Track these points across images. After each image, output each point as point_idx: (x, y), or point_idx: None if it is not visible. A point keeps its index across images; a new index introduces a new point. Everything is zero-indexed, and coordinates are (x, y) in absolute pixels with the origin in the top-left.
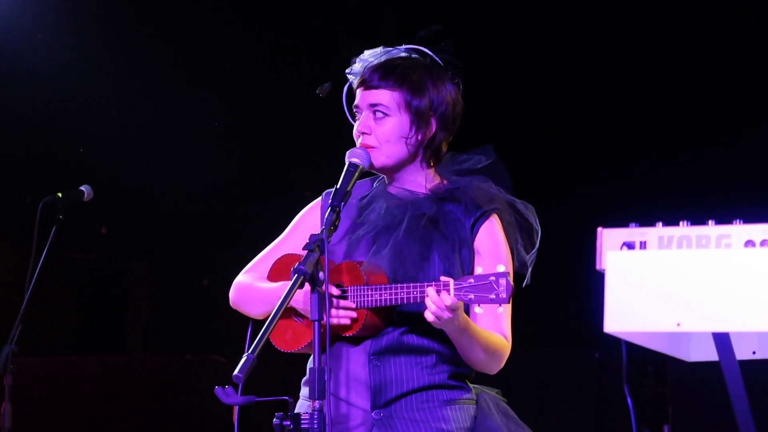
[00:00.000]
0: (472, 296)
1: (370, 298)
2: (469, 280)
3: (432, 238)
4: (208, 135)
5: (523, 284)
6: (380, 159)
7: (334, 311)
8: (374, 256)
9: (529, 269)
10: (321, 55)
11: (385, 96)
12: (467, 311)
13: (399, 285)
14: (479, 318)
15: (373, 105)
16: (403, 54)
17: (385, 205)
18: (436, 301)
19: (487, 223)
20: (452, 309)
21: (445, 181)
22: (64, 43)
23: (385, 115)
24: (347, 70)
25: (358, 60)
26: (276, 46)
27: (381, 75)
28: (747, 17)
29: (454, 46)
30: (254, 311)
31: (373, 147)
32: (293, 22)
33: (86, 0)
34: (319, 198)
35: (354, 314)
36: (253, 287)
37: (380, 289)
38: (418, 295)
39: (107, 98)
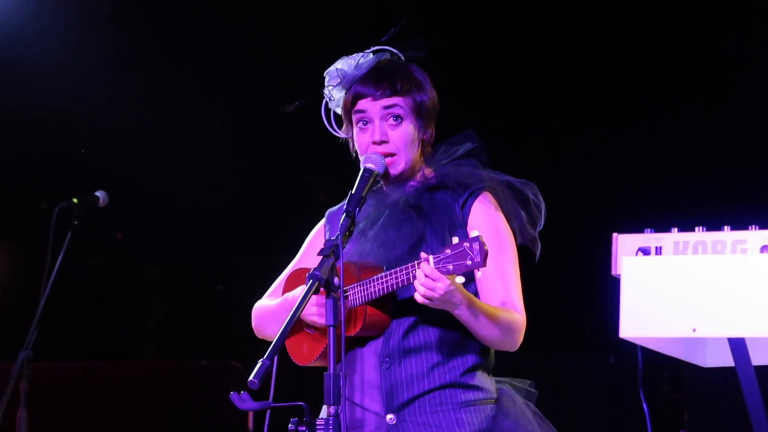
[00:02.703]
0: (450, 266)
1: (363, 294)
2: (446, 251)
3: (417, 225)
4: (224, 140)
5: (535, 260)
6: (400, 166)
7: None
8: (360, 252)
9: (539, 245)
10: (334, 59)
11: (398, 101)
12: (476, 294)
13: (385, 273)
14: (485, 292)
15: (387, 111)
16: (385, 56)
17: (373, 204)
18: (427, 273)
19: (477, 202)
20: (441, 280)
21: (434, 172)
22: (80, 48)
23: (401, 119)
24: (328, 83)
25: (335, 71)
26: (290, 51)
27: (388, 83)
28: (763, 21)
29: (425, 42)
30: (271, 331)
31: (394, 154)
32: (307, 26)
33: (101, 6)
34: (324, 219)
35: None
36: (266, 306)
37: (370, 282)
38: (405, 277)
39: (122, 104)
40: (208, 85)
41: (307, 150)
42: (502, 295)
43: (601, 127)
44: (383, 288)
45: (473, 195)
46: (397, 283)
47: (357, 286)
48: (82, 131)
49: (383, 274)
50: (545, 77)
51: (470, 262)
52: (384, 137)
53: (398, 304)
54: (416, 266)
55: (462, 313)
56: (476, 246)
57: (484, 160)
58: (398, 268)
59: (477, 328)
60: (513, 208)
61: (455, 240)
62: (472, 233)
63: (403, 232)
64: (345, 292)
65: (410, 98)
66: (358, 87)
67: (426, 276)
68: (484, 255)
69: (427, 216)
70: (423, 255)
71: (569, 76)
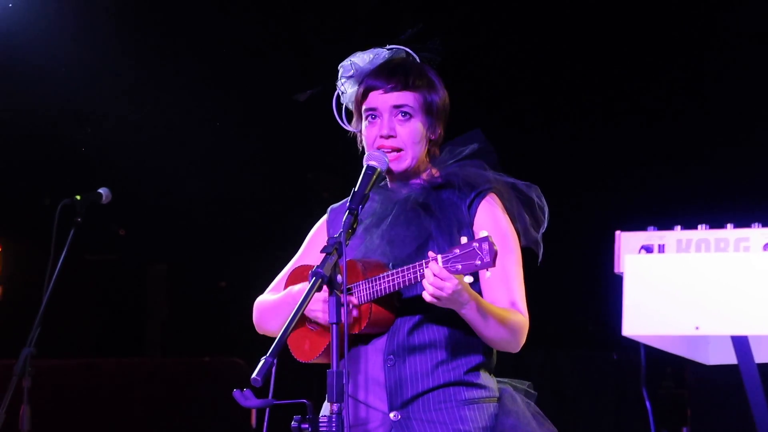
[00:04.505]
0: (459, 266)
1: (369, 291)
2: (455, 251)
3: (424, 223)
4: (227, 137)
5: (538, 262)
6: (407, 161)
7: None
8: (366, 248)
9: (541, 247)
10: (336, 57)
11: (408, 97)
12: (481, 295)
13: (392, 271)
14: (489, 292)
15: (398, 107)
16: (400, 54)
17: (379, 200)
18: (436, 272)
19: (483, 202)
20: (449, 279)
21: (440, 171)
22: (82, 45)
23: (410, 116)
24: (342, 75)
25: (349, 65)
26: (292, 49)
27: (400, 77)
28: (763, 17)
29: (443, 44)
30: (272, 327)
31: (401, 150)
32: (309, 23)
33: (103, 3)
34: (326, 215)
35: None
36: (266, 301)
37: (376, 280)
38: (412, 276)
39: (125, 101)
40: (210, 83)
41: (309, 147)
42: (506, 296)
43: (605, 125)
44: (390, 286)
45: (480, 195)
46: (403, 281)
47: (362, 283)
48: (85, 128)
49: (390, 272)
50: (546, 73)
51: (479, 262)
52: (392, 131)
53: (404, 302)
54: (424, 265)
55: (468, 313)
56: (486, 246)
57: (493, 161)
58: (405, 267)
59: (482, 329)
60: (517, 210)
61: (464, 240)
62: (481, 233)
63: (411, 231)
64: (349, 289)
65: (420, 95)
66: (369, 80)
67: (434, 275)
68: (494, 255)
69: (435, 215)
70: (431, 254)
71: (570, 72)
